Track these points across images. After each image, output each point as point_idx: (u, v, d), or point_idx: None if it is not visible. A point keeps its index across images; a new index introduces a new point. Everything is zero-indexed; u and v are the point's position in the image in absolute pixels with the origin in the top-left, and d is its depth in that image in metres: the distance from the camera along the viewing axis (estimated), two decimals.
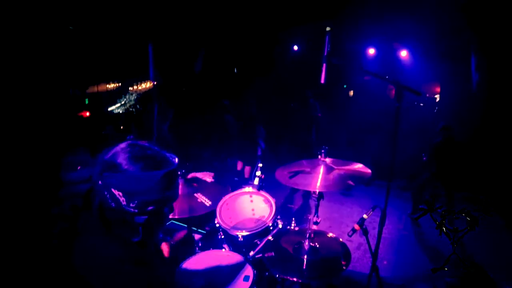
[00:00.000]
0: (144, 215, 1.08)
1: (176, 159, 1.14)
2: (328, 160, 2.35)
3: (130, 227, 1.09)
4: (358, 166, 2.32)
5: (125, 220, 1.08)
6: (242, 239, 2.37)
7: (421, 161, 5.24)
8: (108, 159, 1.07)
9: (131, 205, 1.05)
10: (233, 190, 2.75)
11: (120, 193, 1.04)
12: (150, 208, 1.08)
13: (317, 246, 2.23)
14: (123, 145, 1.09)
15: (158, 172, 1.07)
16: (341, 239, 2.32)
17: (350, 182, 2.10)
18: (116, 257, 1.03)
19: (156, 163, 1.09)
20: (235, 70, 9.37)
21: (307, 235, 2.19)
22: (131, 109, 8.34)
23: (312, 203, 2.28)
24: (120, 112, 8.25)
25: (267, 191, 2.76)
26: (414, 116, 7.46)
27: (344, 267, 2.05)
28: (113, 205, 1.05)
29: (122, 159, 1.06)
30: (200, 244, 2.48)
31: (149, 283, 1.06)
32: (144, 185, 1.05)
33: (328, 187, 2.12)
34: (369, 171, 2.24)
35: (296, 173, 2.28)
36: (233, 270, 2.04)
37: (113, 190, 1.04)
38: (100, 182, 1.05)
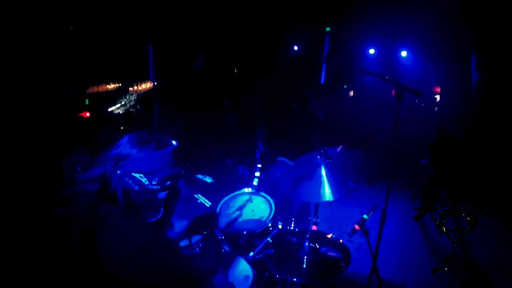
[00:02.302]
0: (165, 190, 1.21)
1: (174, 142, 1.26)
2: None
3: (153, 207, 1.22)
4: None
5: (149, 199, 1.20)
6: (242, 240, 2.37)
7: (420, 163, 5.25)
8: (119, 151, 1.20)
9: (153, 183, 1.18)
10: (233, 191, 2.75)
11: (142, 175, 1.16)
12: (168, 183, 1.21)
13: (317, 246, 2.23)
14: (126, 137, 1.21)
15: (167, 149, 1.21)
16: (341, 240, 2.31)
17: (351, 184, 2.10)
18: (145, 240, 1.14)
19: (162, 143, 1.22)
20: (235, 70, 9.37)
21: (307, 235, 2.19)
22: (131, 110, 8.34)
23: (312, 203, 2.28)
24: (121, 112, 8.25)
25: (267, 191, 2.76)
26: (415, 116, 7.45)
27: (344, 268, 2.05)
28: (137, 188, 1.17)
29: (132, 147, 1.19)
30: (200, 245, 2.48)
31: (175, 263, 1.13)
32: (160, 162, 1.19)
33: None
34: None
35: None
36: (233, 271, 2.04)
37: (133, 174, 1.16)
38: (118, 172, 1.16)
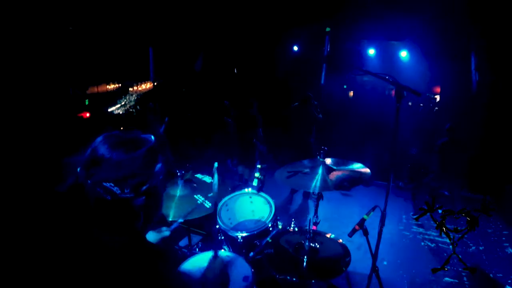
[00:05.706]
0: (141, 196, 1.09)
1: (153, 137, 1.17)
2: (327, 160, 2.35)
3: (131, 215, 1.10)
4: (357, 166, 2.32)
5: (125, 209, 1.08)
6: (241, 240, 2.37)
7: (411, 154, 5.26)
8: (89, 155, 1.09)
9: (125, 191, 1.05)
10: (233, 191, 2.75)
11: (112, 184, 1.04)
12: (144, 187, 1.09)
13: (317, 246, 2.22)
14: (99, 139, 1.11)
15: (140, 151, 1.09)
16: (341, 240, 2.31)
17: (348, 184, 2.10)
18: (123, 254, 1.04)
19: (136, 144, 1.11)
20: (235, 71, 9.37)
21: (307, 235, 2.19)
22: (131, 110, 8.35)
23: (312, 203, 2.28)
24: (120, 113, 8.26)
25: (267, 192, 2.76)
26: (414, 116, 7.46)
27: (344, 268, 2.05)
28: (109, 198, 1.05)
29: (103, 150, 1.07)
30: (200, 245, 2.48)
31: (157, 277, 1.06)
32: (132, 167, 1.06)
33: (327, 188, 2.12)
34: (368, 171, 2.24)
35: (295, 174, 2.28)
36: (233, 271, 2.03)
37: (104, 184, 1.04)
38: (89, 181, 1.05)
